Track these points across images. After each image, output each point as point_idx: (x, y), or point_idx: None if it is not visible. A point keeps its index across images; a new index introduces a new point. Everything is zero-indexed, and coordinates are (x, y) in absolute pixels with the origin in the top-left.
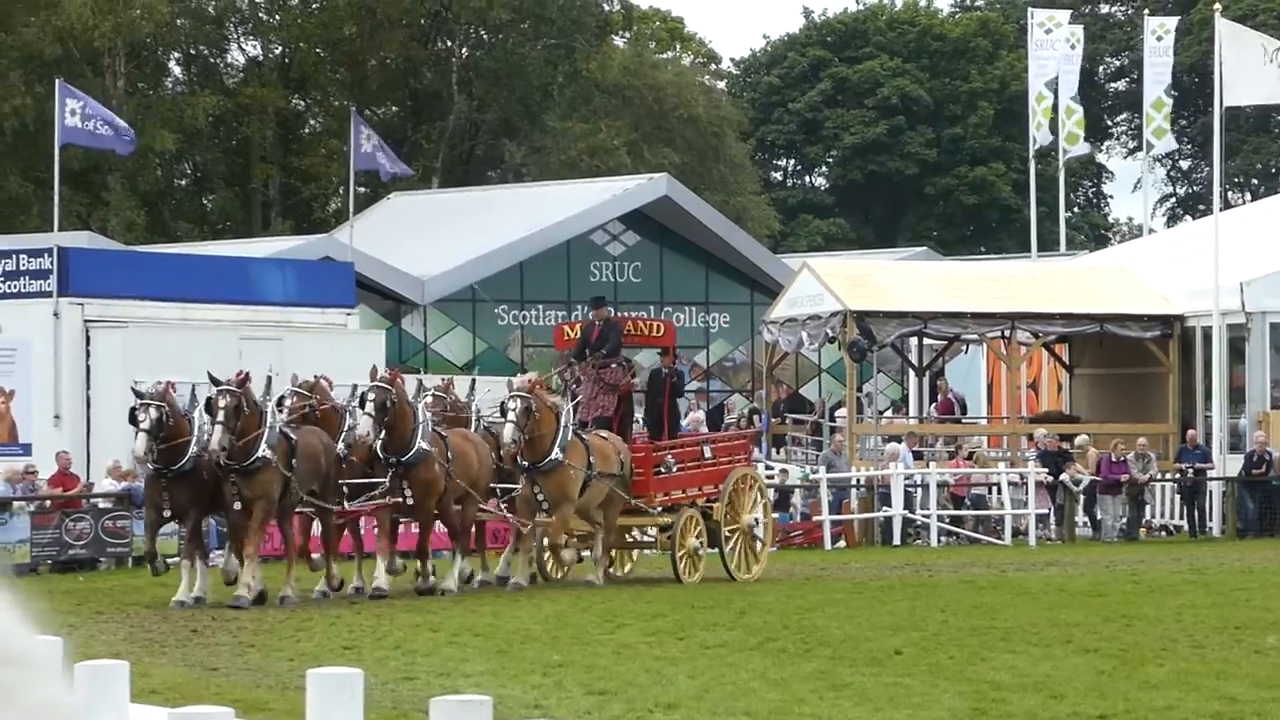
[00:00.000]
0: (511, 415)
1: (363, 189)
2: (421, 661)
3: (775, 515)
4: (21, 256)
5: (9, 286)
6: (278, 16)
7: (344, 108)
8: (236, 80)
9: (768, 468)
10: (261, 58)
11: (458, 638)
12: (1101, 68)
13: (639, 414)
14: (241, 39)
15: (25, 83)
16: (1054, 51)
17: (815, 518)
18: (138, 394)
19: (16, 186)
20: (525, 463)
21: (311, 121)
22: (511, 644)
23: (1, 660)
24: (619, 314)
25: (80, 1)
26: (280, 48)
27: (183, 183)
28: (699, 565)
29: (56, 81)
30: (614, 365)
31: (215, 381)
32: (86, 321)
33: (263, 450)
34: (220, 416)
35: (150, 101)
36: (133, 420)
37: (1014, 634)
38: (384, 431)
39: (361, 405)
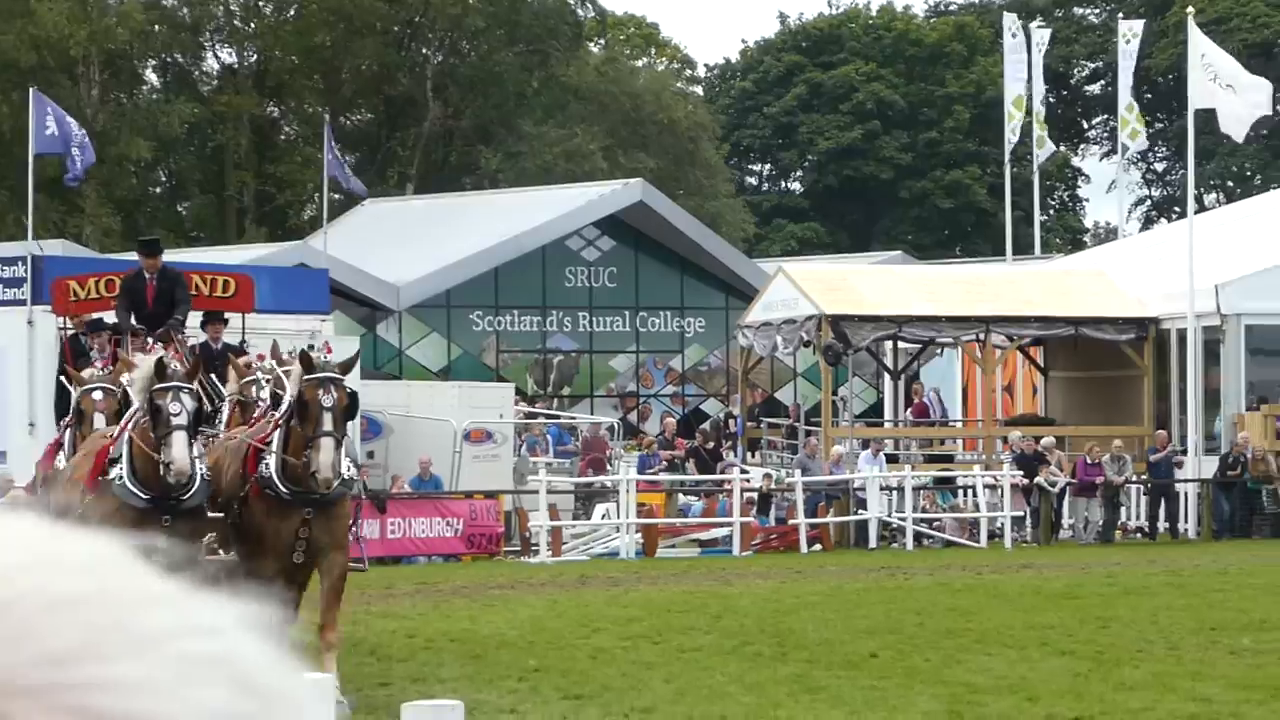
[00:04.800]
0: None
1: (337, 196)
2: (397, 667)
3: (754, 518)
4: None
5: None
6: (253, 24)
7: (319, 115)
8: (212, 88)
9: (743, 471)
10: (237, 65)
11: (433, 643)
12: (1076, 70)
13: None
14: (217, 46)
15: (1, 91)
16: (1025, 55)
17: (791, 521)
18: (161, 371)
19: None
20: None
21: (286, 129)
22: (487, 649)
23: (246, 690)
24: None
25: (56, 10)
26: (255, 55)
27: (158, 190)
28: None
29: (31, 90)
30: (181, 336)
31: (309, 366)
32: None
33: (348, 469)
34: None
35: (125, 109)
36: (155, 413)
37: (989, 636)
38: None
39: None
